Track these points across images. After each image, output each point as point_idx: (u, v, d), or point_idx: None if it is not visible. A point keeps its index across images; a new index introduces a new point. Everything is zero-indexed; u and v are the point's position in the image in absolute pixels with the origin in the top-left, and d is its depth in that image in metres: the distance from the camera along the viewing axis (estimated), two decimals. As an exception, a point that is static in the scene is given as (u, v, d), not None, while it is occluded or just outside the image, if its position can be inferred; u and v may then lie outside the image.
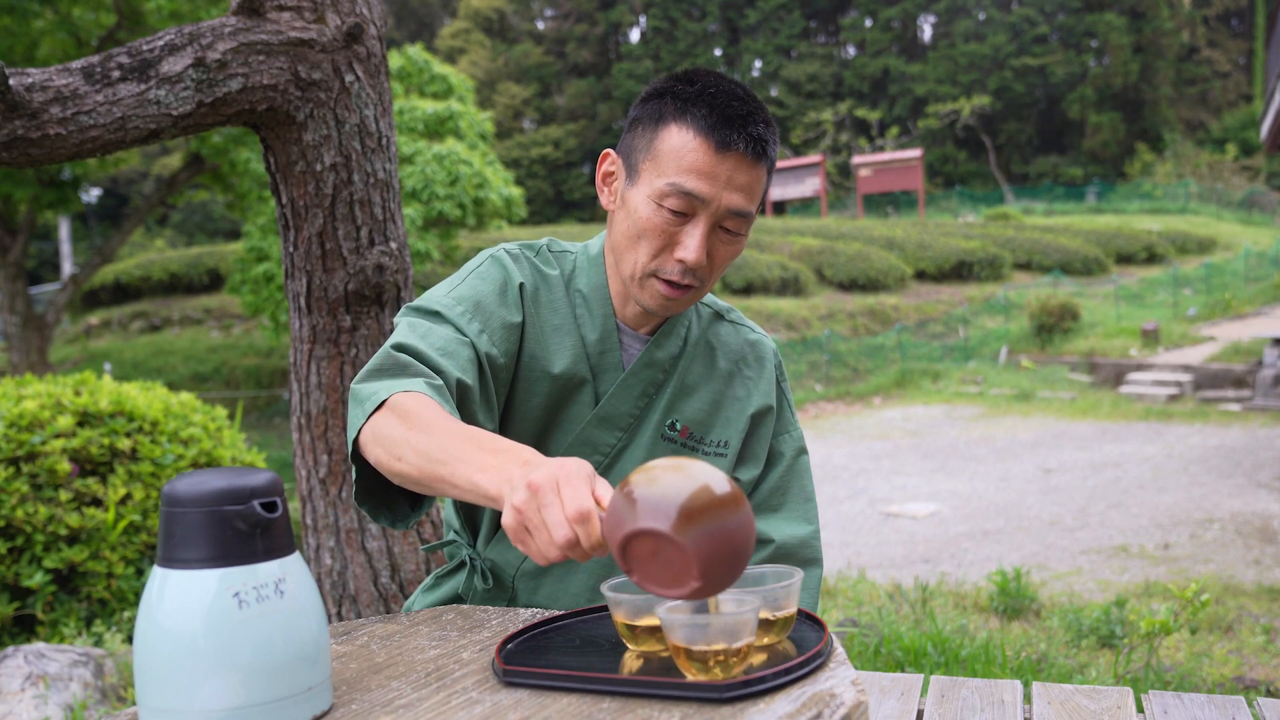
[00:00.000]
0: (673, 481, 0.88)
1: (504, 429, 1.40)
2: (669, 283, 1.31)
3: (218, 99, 2.07)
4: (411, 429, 1.09)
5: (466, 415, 1.29)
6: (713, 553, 0.86)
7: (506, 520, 0.95)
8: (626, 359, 1.43)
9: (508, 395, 1.39)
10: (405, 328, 1.29)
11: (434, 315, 1.32)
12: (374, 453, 1.13)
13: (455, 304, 1.33)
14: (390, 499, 1.26)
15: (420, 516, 1.27)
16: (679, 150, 1.27)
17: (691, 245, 1.28)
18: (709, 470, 0.90)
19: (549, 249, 1.46)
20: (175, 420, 3.88)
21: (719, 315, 1.53)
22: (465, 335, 1.30)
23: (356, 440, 1.17)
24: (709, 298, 1.54)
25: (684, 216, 1.28)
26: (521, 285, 1.38)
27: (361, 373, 1.23)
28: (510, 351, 1.35)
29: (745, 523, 0.89)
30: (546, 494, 0.92)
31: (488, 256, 1.40)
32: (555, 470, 0.94)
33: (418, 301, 1.35)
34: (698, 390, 1.46)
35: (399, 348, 1.24)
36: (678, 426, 1.43)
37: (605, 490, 0.94)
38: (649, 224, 1.29)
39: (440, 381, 1.21)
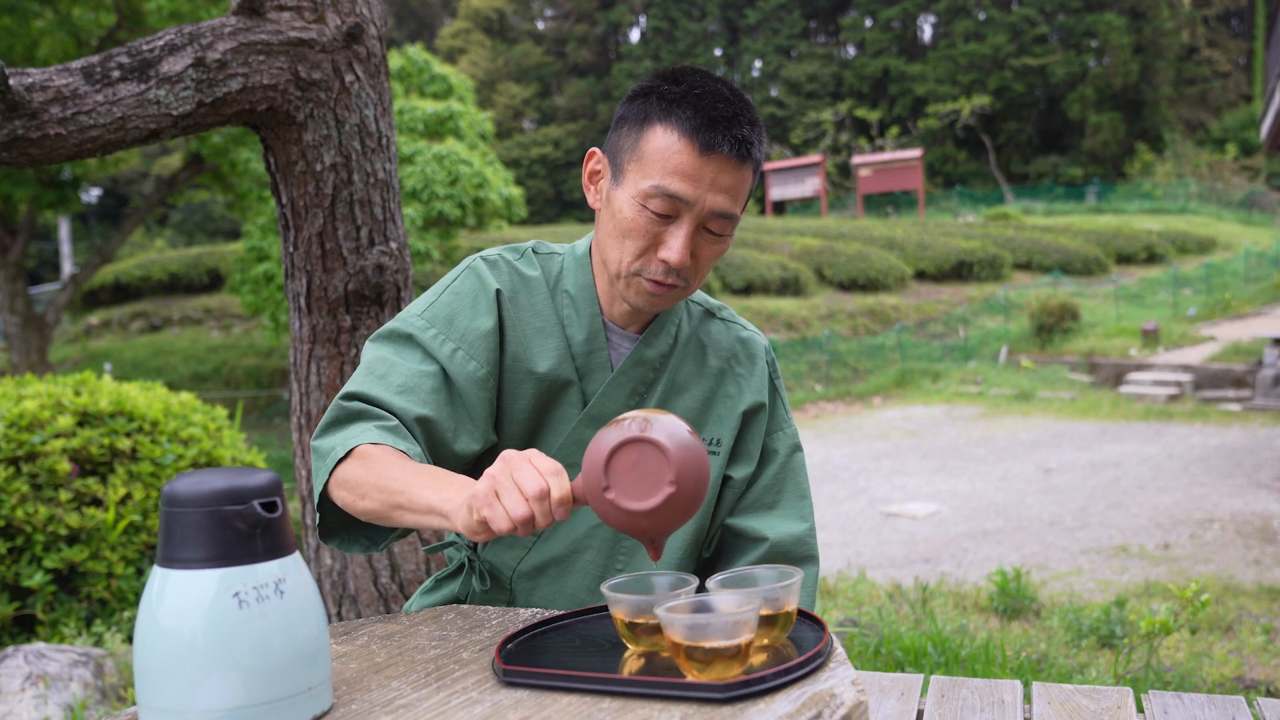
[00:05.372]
0: (651, 412, 1.03)
1: (498, 432, 1.40)
2: (654, 281, 1.31)
3: (218, 99, 2.07)
4: (371, 470, 1.18)
5: (439, 446, 1.32)
6: (687, 462, 0.99)
7: (475, 490, 1.04)
8: (616, 358, 1.42)
9: (498, 399, 1.39)
10: (363, 370, 1.34)
11: (404, 339, 1.36)
12: (340, 495, 1.22)
13: (427, 326, 1.36)
14: (355, 532, 1.34)
15: (392, 539, 1.34)
16: (663, 152, 1.26)
17: (675, 246, 1.28)
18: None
19: (534, 250, 1.46)
20: (175, 420, 3.87)
21: (710, 313, 1.53)
22: (434, 360, 1.34)
23: (324, 490, 1.24)
24: (700, 295, 1.54)
25: (667, 218, 1.28)
26: (498, 292, 1.39)
27: (319, 426, 1.30)
28: (492, 359, 1.37)
29: (705, 456, 1.03)
30: (503, 479, 1.03)
31: (465, 268, 1.42)
32: (510, 460, 1.04)
33: (392, 323, 1.39)
34: (689, 388, 1.46)
35: (350, 396, 1.30)
36: None
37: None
38: (633, 224, 1.29)
39: (395, 422, 1.27)
